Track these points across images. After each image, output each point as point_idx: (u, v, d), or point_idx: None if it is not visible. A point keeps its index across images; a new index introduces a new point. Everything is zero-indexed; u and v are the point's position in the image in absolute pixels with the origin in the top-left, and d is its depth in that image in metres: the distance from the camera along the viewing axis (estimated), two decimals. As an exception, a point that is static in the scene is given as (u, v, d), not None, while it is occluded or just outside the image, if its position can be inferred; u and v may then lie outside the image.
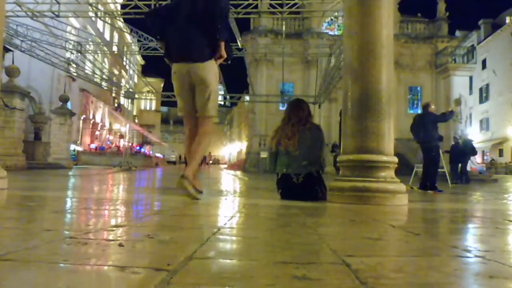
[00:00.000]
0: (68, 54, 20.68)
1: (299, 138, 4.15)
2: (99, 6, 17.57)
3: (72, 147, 23.76)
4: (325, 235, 2.00)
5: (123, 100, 43.62)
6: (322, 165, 4.26)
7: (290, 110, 4.33)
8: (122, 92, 27.37)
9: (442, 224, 2.86)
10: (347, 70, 4.28)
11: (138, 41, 19.33)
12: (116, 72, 37.78)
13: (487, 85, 39.02)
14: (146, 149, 41.14)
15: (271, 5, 13.35)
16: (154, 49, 18.59)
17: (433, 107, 8.56)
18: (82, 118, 31.12)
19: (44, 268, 1.18)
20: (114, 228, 2.02)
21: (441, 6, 32.37)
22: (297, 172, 4.11)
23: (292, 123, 4.23)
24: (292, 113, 4.29)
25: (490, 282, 1.18)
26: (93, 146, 32.22)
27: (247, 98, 33.72)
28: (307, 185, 4.09)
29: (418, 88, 32.42)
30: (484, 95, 39.69)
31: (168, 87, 51.79)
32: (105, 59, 34.28)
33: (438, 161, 8.28)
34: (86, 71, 21.80)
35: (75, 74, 22.00)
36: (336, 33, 31.34)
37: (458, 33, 39.83)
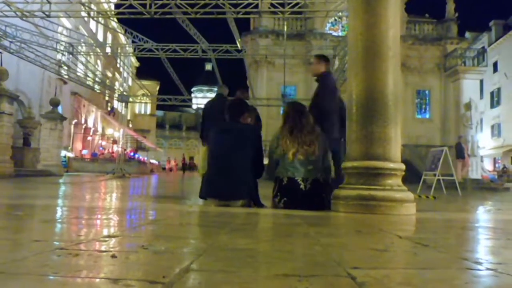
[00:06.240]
0: (59, 56, 20.77)
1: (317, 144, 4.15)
2: (92, 6, 17.64)
3: (63, 153, 23.76)
4: (329, 246, 2.00)
5: (116, 104, 43.69)
6: (329, 171, 4.28)
7: (305, 117, 4.29)
8: (116, 95, 27.44)
9: (452, 235, 2.85)
10: (351, 73, 4.29)
11: (133, 42, 19.41)
12: (109, 74, 37.88)
13: (499, 89, 39.08)
14: (140, 156, 41.14)
15: (272, 4, 13.42)
16: (149, 50, 18.65)
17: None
18: (73, 122, 31.15)
19: (33, 281, 1.18)
20: (107, 239, 2.02)
21: (450, 6, 32.51)
22: (305, 177, 4.09)
23: (308, 130, 4.21)
24: (306, 119, 4.28)
25: (503, 296, 1.18)
26: (84, 152, 32.22)
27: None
28: (314, 193, 4.07)
29: (426, 92, 32.49)
30: (495, 99, 39.74)
31: (163, 90, 51.99)
32: (98, 61, 34.37)
33: None
34: (78, 74, 21.87)
35: (66, 76, 22.08)
36: (340, 34, 31.49)
37: (468, 34, 39.98)
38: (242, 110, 4.58)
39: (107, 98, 38.05)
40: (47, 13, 13.43)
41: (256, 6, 12.67)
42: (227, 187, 4.15)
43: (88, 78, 23.62)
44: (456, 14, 32.55)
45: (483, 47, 37.58)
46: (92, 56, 27.02)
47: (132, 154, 36.60)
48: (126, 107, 50.56)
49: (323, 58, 5.37)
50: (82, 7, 14.97)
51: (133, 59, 49.92)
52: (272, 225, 3.09)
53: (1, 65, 16.28)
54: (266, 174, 4.41)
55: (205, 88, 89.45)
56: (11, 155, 15.08)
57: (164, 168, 52.05)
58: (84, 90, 29.69)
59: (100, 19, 25.23)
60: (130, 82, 51.28)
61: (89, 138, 35.90)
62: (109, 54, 30.46)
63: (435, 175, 10.31)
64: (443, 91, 31.31)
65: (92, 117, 36.61)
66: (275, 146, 4.29)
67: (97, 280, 1.23)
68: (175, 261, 1.49)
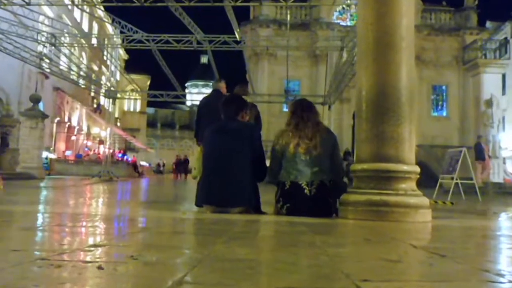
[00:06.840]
0: (40, 48, 20.73)
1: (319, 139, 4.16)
2: (77, -7, 17.69)
3: (44, 154, 23.76)
4: (336, 256, 2.00)
5: (103, 100, 43.61)
6: (339, 173, 4.32)
7: (308, 111, 4.32)
8: (102, 91, 27.40)
9: (471, 244, 2.85)
10: (361, 66, 4.29)
11: (121, 32, 19.38)
12: (95, 68, 37.89)
13: (523, 84, 39.04)
14: (129, 157, 41.13)
15: (273, -9, 13.42)
16: (139, 41, 18.64)
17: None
18: (56, 121, 31.15)
19: (11, 294, 1.18)
20: (93, 248, 2.02)
21: (469, -7, 32.52)
22: (310, 180, 4.09)
23: (312, 124, 4.24)
24: (311, 115, 4.30)
25: (527, 311, 1.18)
26: (68, 153, 32.21)
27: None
28: (319, 198, 4.07)
29: (443, 87, 32.49)
30: (519, 95, 39.69)
31: (155, 85, 51.94)
32: (83, 53, 34.37)
33: None
34: (61, 67, 21.86)
35: (48, 70, 22.06)
36: (348, 23, 31.49)
37: (488, 24, 39.85)
38: (239, 106, 4.54)
39: (92, 94, 38.03)
40: (27, 0, 13.44)
41: (257, -7, 12.68)
42: (224, 193, 4.13)
43: (72, 72, 23.63)
44: (476, 2, 32.57)
45: (505, 38, 37.41)
46: (77, 48, 27.00)
47: (120, 155, 36.59)
48: (114, 104, 50.29)
49: None
50: (65, -6, 14.99)
51: (122, 51, 49.84)
52: (274, 234, 3.09)
53: (-23, 57, 16.28)
54: (268, 177, 4.40)
55: (201, 83, 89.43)
56: (-12, 157, 15.10)
57: (158, 171, 51.74)
58: (67, 85, 29.67)
59: (85, 7, 25.27)
60: (118, 77, 51.10)
61: (73, 137, 35.90)
62: (95, 45, 30.44)
63: (452, 178, 10.30)
64: (461, 86, 31.32)
65: (77, 114, 36.62)
66: (277, 142, 4.30)
67: (82, 293, 1.23)
68: (167, 273, 1.49)
